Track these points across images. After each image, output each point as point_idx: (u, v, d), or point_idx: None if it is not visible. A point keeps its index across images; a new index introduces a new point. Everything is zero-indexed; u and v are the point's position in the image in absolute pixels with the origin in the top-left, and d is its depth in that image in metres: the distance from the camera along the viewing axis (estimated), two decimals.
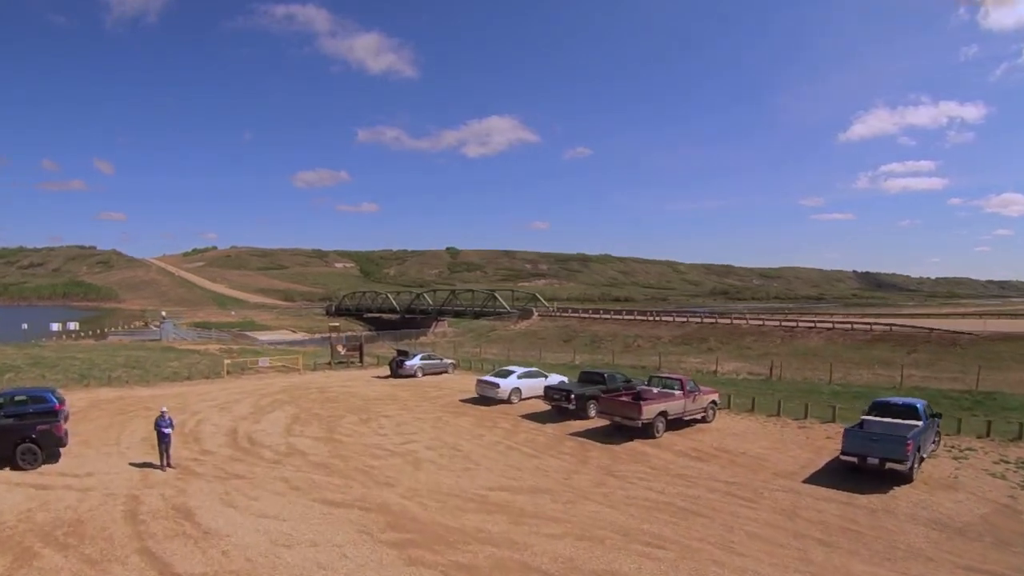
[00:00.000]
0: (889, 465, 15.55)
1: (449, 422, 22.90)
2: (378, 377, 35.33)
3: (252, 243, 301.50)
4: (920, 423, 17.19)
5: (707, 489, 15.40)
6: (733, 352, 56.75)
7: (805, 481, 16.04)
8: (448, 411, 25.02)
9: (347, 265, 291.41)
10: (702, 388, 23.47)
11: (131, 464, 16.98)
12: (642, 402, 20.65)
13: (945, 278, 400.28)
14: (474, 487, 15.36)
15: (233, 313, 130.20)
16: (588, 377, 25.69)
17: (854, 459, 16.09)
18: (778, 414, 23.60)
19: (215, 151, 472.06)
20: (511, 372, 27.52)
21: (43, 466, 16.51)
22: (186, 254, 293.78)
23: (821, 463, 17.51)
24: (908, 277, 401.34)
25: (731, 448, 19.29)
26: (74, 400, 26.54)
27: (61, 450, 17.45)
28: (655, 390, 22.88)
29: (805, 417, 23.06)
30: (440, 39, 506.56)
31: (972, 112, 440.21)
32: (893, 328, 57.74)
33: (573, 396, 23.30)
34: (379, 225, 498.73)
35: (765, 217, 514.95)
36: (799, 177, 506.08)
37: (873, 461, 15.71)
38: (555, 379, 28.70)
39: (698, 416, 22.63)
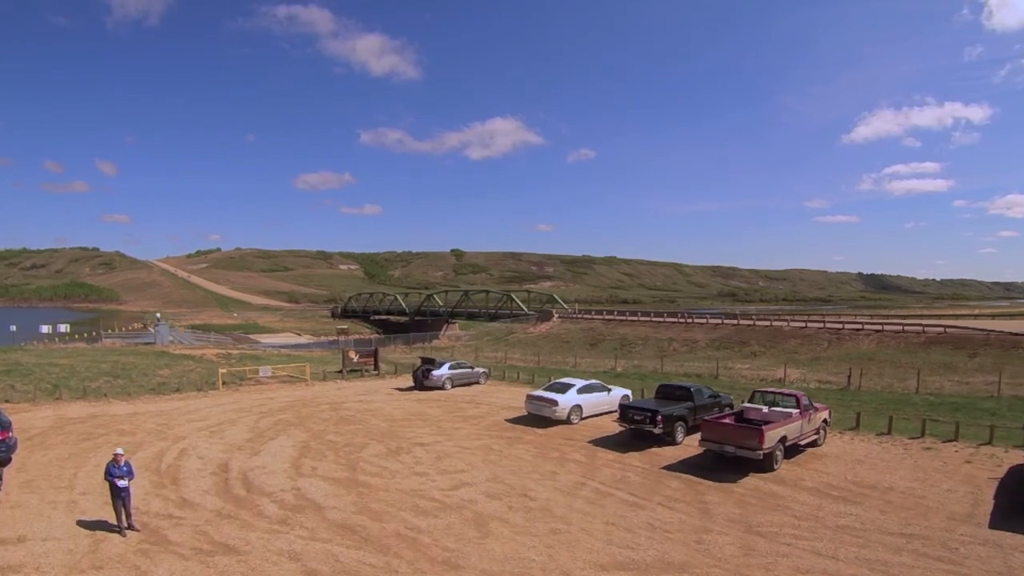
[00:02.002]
0: None
1: (503, 452, 17.90)
2: (399, 389, 30.38)
3: (256, 245, 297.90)
4: None
5: (887, 548, 11.24)
6: (780, 356, 52.04)
7: (992, 527, 12.38)
8: (496, 436, 20.04)
9: (351, 267, 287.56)
10: (816, 405, 18.88)
11: (80, 522, 12.06)
12: (764, 427, 15.79)
13: (950, 280, 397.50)
14: (578, 566, 10.39)
15: (235, 315, 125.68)
16: (669, 392, 20.79)
17: None
18: (889, 432, 19.70)
19: (218, 153, 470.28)
20: (569, 386, 22.55)
21: None
22: (190, 256, 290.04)
23: (987, 499, 14.00)
24: (914, 279, 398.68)
25: (871, 482, 15.23)
26: (37, 419, 21.84)
27: None
28: (764, 409, 18.25)
29: (922, 435, 19.23)
30: (442, 40, 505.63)
31: (977, 113, 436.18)
32: (947, 330, 53.16)
33: (660, 417, 18.35)
34: (383, 227, 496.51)
35: (769, 219, 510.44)
36: (803, 179, 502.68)
37: None
38: (618, 393, 23.87)
39: (810, 439, 18.17)
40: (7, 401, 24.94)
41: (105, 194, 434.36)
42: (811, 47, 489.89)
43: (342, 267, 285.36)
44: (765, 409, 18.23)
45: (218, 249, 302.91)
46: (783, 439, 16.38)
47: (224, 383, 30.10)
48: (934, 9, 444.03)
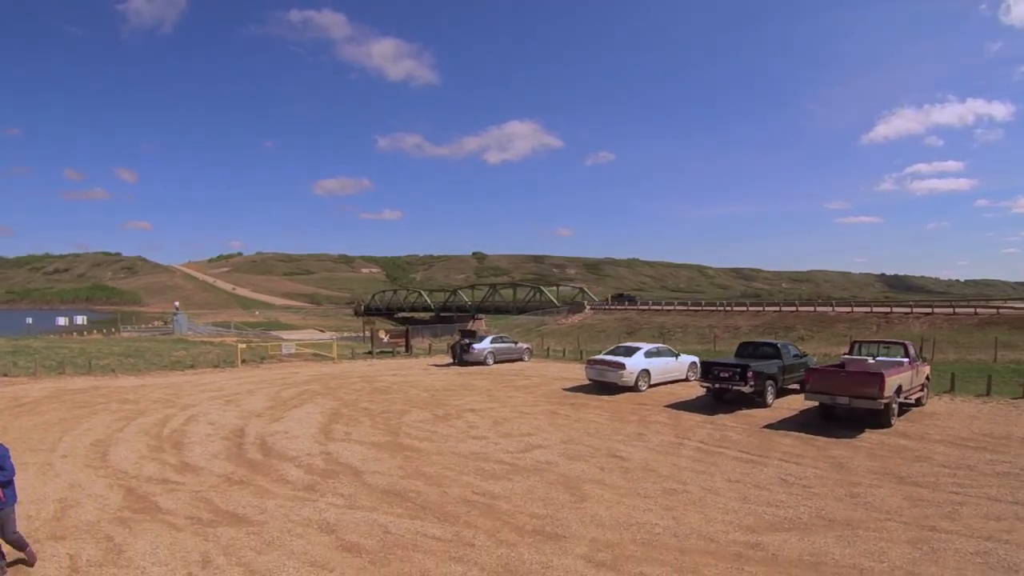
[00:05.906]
0: None
1: (572, 416, 14.83)
2: (436, 365, 27.51)
3: (277, 250, 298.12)
4: None
5: None
6: (829, 340, 48.75)
7: None
8: (558, 402, 16.97)
9: (373, 270, 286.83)
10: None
11: (51, 486, 9.28)
12: (885, 373, 13.04)
13: (974, 280, 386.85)
14: (719, 528, 7.39)
15: (257, 313, 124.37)
16: (753, 350, 17.72)
17: None
18: (987, 393, 17.66)
19: (238, 159, 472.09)
20: (636, 349, 19.48)
21: None
22: (212, 260, 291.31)
23: None
24: (937, 279, 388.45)
25: (1001, 433, 12.97)
26: (33, 390, 19.44)
27: None
28: (869, 359, 15.63)
29: None
30: (459, 44, 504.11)
31: (1000, 110, 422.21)
32: (1000, 311, 49.88)
33: (752, 373, 15.29)
34: (403, 231, 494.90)
35: (790, 222, 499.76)
36: (824, 181, 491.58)
37: None
38: (686, 360, 20.89)
39: (916, 395, 15.61)
40: (5, 375, 22.61)
41: (125, 201, 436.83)
42: (829, 49, 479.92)
43: (364, 271, 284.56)
44: (871, 360, 15.61)
45: (240, 254, 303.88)
46: (899, 389, 13.85)
47: (244, 360, 27.45)
48: (951, 6, 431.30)
